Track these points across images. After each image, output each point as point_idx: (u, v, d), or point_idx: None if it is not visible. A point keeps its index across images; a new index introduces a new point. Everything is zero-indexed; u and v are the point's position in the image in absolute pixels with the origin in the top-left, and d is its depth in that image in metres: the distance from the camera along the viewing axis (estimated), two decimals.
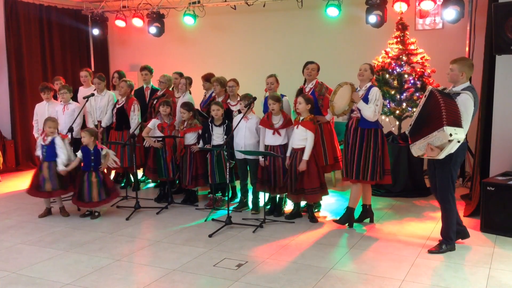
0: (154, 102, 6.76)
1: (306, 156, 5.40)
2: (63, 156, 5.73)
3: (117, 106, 6.97)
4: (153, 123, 6.37)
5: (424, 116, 4.52)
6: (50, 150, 5.73)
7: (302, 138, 5.44)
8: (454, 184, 4.61)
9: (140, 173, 7.28)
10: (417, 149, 4.51)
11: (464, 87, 4.48)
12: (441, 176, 4.57)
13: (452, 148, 4.23)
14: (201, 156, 6.16)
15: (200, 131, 6.16)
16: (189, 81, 6.88)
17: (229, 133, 5.91)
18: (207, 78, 6.89)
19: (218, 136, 5.99)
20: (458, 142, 4.20)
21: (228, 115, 6.26)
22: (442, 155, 4.28)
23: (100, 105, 7.13)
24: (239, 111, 6.12)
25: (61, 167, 5.70)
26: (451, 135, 4.14)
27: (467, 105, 4.34)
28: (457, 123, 4.23)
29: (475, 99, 4.40)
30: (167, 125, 6.31)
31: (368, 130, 5.21)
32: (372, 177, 5.23)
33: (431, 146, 4.29)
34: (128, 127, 6.84)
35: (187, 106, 6.18)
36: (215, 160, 6.00)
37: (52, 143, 5.74)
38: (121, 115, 6.90)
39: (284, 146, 5.67)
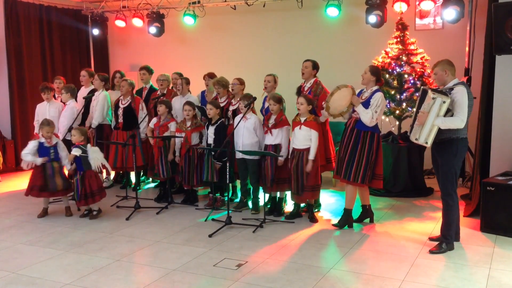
0: (156, 101, 6.77)
1: (312, 155, 5.41)
2: (66, 158, 5.78)
3: (122, 106, 6.91)
4: (153, 122, 6.45)
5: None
6: (57, 151, 5.78)
7: (307, 139, 5.45)
8: (456, 180, 4.64)
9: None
10: (414, 131, 4.64)
11: (455, 82, 4.58)
12: (445, 172, 4.61)
13: (439, 111, 4.35)
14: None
15: (202, 131, 6.21)
16: (185, 81, 6.88)
17: (218, 133, 5.93)
18: (211, 76, 6.89)
19: (210, 135, 6.01)
20: (444, 102, 4.33)
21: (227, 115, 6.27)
22: (429, 118, 4.40)
23: (92, 104, 7.13)
24: (234, 112, 6.14)
25: (69, 166, 5.76)
26: (433, 93, 4.36)
27: (461, 94, 4.44)
28: (442, 94, 4.41)
29: (468, 90, 4.50)
30: (158, 124, 6.32)
31: (365, 132, 5.19)
32: (363, 180, 5.22)
33: (422, 112, 4.48)
34: (137, 126, 6.77)
35: (191, 104, 6.20)
36: (206, 159, 6.02)
37: (56, 143, 5.80)
38: (129, 114, 6.87)
39: (275, 146, 5.67)
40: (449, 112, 4.43)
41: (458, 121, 4.41)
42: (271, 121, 5.72)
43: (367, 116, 5.11)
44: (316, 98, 5.76)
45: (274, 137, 5.68)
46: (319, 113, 5.74)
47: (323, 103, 5.63)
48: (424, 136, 4.48)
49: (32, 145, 5.76)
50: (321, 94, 5.76)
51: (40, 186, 5.73)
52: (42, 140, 5.78)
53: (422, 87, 4.78)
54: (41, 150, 5.74)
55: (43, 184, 5.72)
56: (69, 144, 6.12)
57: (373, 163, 5.23)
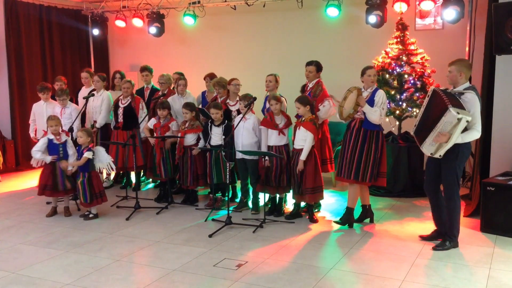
0: (157, 102, 6.75)
1: (303, 156, 5.41)
2: (72, 157, 5.78)
3: (122, 106, 6.89)
4: (151, 122, 6.44)
5: (429, 115, 4.58)
6: (66, 149, 5.78)
7: (303, 139, 5.46)
8: (459, 182, 4.66)
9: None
10: (428, 145, 4.55)
11: (465, 87, 4.57)
12: (447, 174, 4.62)
13: (461, 129, 4.27)
14: (200, 157, 6.17)
15: (200, 133, 6.19)
16: (186, 82, 6.88)
17: (228, 133, 5.91)
18: (212, 78, 6.89)
19: (216, 136, 5.99)
20: (467, 121, 4.26)
21: (227, 115, 6.26)
22: (452, 139, 4.32)
23: (95, 105, 7.11)
24: (238, 111, 6.13)
25: (70, 167, 5.75)
26: (458, 113, 4.22)
27: (473, 102, 4.42)
28: (461, 107, 4.32)
29: (478, 97, 4.49)
30: (159, 125, 6.31)
31: (371, 132, 5.22)
32: (370, 178, 5.25)
33: (443, 133, 4.34)
34: (137, 125, 6.72)
35: (190, 106, 6.19)
36: (213, 160, 6.01)
37: (65, 141, 5.80)
38: (129, 114, 6.86)
39: (288, 146, 5.69)
40: None
41: (475, 134, 4.43)
42: (280, 121, 5.68)
43: (375, 114, 5.14)
44: (314, 99, 5.74)
45: (286, 137, 5.68)
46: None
47: (319, 105, 5.62)
48: (441, 152, 4.46)
49: (42, 142, 5.75)
50: (319, 95, 5.73)
51: (52, 185, 5.73)
52: (51, 137, 5.76)
53: (434, 88, 4.70)
54: (50, 147, 5.73)
55: (53, 183, 5.73)
56: None
57: (378, 160, 5.25)
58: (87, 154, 5.63)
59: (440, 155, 4.45)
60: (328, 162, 5.97)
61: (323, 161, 5.92)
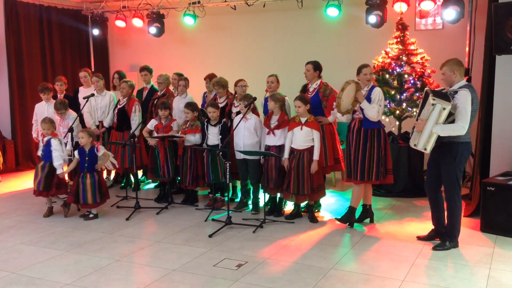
0: (155, 102, 6.75)
1: (317, 156, 5.45)
2: (59, 159, 5.72)
3: (118, 106, 6.95)
4: (151, 123, 6.41)
5: (419, 113, 4.59)
6: (47, 151, 5.76)
7: (308, 139, 5.46)
8: (459, 183, 4.65)
9: (139, 173, 7.28)
10: (413, 137, 4.62)
11: (461, 85, 4.55)
12: (447, 175, 4.62)
13: (439, 117, 4.29)
14: (201, 157, 6.17)
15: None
16: (187, 82, 6.88)
17: (224, 132, 5.92)
18: (212, 79, 6.89)
19: (213, 135, 6.00)
20: (444, 109, 4.27)
21: (228, 115, 6.27)
22: (427, 126, 4.36)
23: (101, 105, 7.11)
24: (238, 113, 6.14)
25: (59, 171, 5.72)
26: (434, 99, 4.27)
27: (464, 99, 4.40)
28: (446, 100, 4.34)
29: (473, 95, 4.45)
30: (162, 126, 6.31)
31: (372, 130, 5.23)
32: (377, 177, 5.26)
33: (420, 119, 4.42)
34: (129, 127, 6.81)
35: (191, 106, 6.18)
36: (210, 159, 6.01)
37: (48, 143, 5.75)
38: (122, 115, 6.89)
39: (280, 147, 5.66)
40: (451, 116, 4.39)
41: (458, 128, 4.37)
42: (273, 121, 5.70)
43: (373, 111, 5.14)
44: (325, 99, 5.75)
45: (277, 138, 5.67)
46: (327, 114, 5.74)
47: (334, 103, 5.62)
48: (423, 143, 4.45)
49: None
50: (331, 95, 5.73)
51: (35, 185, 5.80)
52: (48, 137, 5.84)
53: (426, 88, 4.75)
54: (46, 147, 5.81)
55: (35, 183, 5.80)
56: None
57: (383, 158, 5.26)
58: (104, 150, 5.73)
59: (425, 149, 4.46)
60: (341, 160, 5.96)
61: (337, 160, 5.92)
